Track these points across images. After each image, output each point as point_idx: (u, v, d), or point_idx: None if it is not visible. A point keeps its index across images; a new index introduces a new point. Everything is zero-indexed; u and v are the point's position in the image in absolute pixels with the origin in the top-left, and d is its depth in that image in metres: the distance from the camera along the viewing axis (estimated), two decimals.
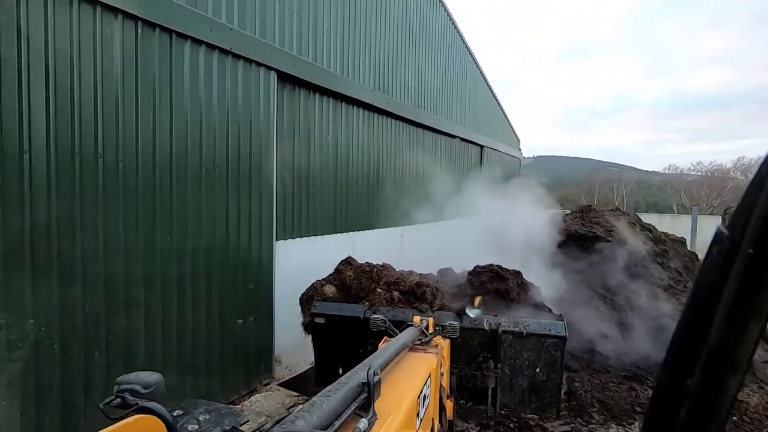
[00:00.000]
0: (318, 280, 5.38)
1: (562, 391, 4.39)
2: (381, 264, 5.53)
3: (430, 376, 2.25)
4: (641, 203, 54.83)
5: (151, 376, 1.34)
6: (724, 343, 0.50)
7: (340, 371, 4.22)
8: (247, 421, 4.89)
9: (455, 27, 11.75)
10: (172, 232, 4.40)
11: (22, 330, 3.29)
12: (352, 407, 1.31)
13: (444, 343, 2.99)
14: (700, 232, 16.13)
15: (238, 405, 5.19)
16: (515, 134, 18.39)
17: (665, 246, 9.51)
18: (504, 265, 5.63)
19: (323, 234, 6.84)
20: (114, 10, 3.81)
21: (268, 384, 5.70)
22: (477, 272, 5.63)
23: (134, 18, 3.97)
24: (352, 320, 4.40)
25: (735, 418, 5.05)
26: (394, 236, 8.81)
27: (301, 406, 1.23)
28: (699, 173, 54.65)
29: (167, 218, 4.37)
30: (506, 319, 4.22)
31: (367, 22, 7.69)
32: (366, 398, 1.36)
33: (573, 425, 5.05)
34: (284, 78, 5.84)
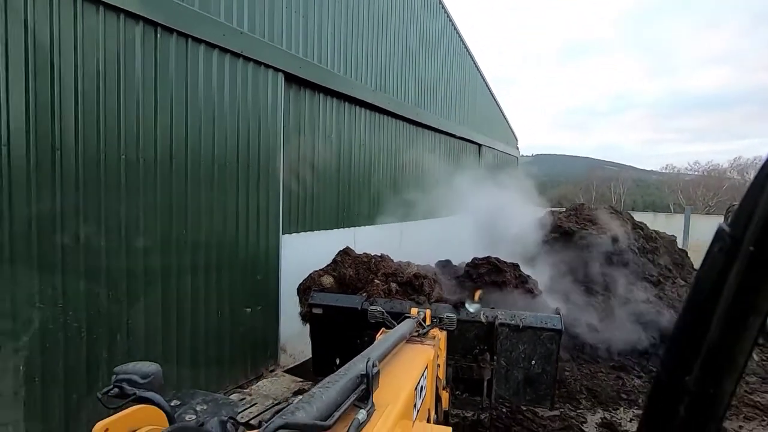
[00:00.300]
0: (316, 271, 5.48)
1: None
2: (379, 255, 5.59)
3: (427, 367, 2.28)
4: (639, 202, 55.15)
5: (149, 367, 1.35)
6: (723, 340, 0.50)
7: (337, 361, 4.37)
8: (255, 404, 5.19)
9: (455, 28, 12.02)
10: (187, 225, 4.69)
11: (54, 314, 3.58)
12: (351, 398, 1.32)
13: (441, 335, 3.01)
14: (693, 230, 16.45)
15: (246, 389, 5.49)
16: (513, 133, 18.67)
17: (656, 243, 9.83)
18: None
19: (326, 229, 7.13)
20: (136, 17, 4.08)
21: (273, 370, 6.01)
22: (475, 264, 5.80)
23: (154, 24, 4.24)
24: (350, 311, 4.42)
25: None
26: (393, 232, 9.10)
27: (300, 397, 1.25)
28: (696, 173, 55.08)
29: (182, 212, 4.65)
30: (503, 312, 4.26)
31: (369, 24, 7.96)
32: (365, 389, 1.37)
33: (562, 410, 5.35)
34: (291, 79, 6.11)
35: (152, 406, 1.26)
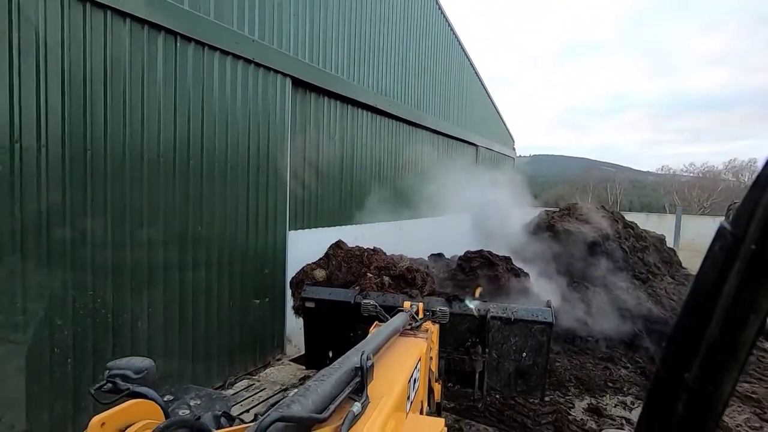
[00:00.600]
0: (308, 264, 5.50)
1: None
2: (372, 248, 5.62)
3: (420, 360, 2.31)
4: (635, 203, 55.62)
5: (143, 362, 1.35)
6: (723, 338, 0.50)
7: (330, 355, 4.45)
8: (264, 389, 5.54)
9: (453, 32, 12.37)
10: (202, 221, 5.02)
11: (84, 301, 3.91)
12: (346, 391, 1.33)
13: (433, 328, 3.04)
14: (686, 230, 16.84)
15: (255, 376, 5.82)
16: (510, 134, 19.05)
17: (646, 242, 10.21)
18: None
19: (330, 226, 7.47)
20: (158, 28, 4.40)
21: (280, 359, 6.34)
22: (468, 258, 5.96)
23: (174, 33, 4.57)
24: (343, 305, 4.41)
25: None
26: (393, 229, 9.44)
27: (296, 390, 1.27)
28: (691, 174, 55.61)
29: (198, 209, 4.98)
30: (495, 305, 4.30)
31: (370, 30, 8.30)
32: (359, 382, 1.39)
33: (551, 396, 5.70)
34: (297, 83, 6.44)
35: (148, 401, 1.26)
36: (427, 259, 6.66)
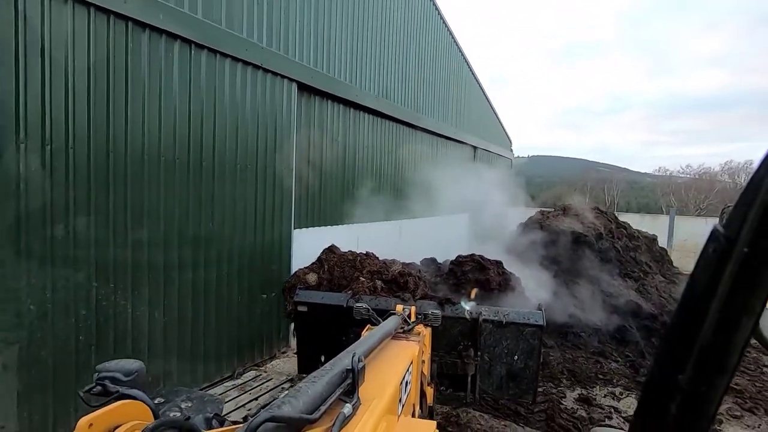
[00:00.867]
0: (301, 269, 5.64)
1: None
2: (364, 253, 5.73)
3: (412, 363, 2.31)
4: (633, 204, 55.97)
5: (132, 364, 1.34)
6: (716, 340, 0.50)
7: (322, 359, 4.45)
8: (271, 379, 5.84)
9: (452, 36, 12.68)
10: (213, 219, 5.29)
11: (107, 292, 4.18)
12: (337, 393, 1.33)
13: (426, 331, 3.05)
14: (680, 230, 17.15)
15: (262, 366, 6.10)
16: (507, 136, 19.37)
17: (638, 242, 10.53)
18: (486, 255, 6.47)
19: (333, 225, 7.75)
20: (174, 36, 4.68)
21: (285, 352, 6.62)
22: (459, 262, 6.05)
23: (188, 42, 4.84)
24: (335, 309, 4.42)
25: None
26: (393, 228, 9.73)
27: (286, 392, 1.27)
28: (688, 176, 56.00)
29: (210, 208, 5.25)
30: (487, 308, 4.32)
31: (372, 35, 8.59)
32: (350, 384, 1.38)
33: (544, 388, 5.99)
34: (303, 87, 6.72)
35: (138, 402, 1.25)
36: (419, 263, 6.85)
